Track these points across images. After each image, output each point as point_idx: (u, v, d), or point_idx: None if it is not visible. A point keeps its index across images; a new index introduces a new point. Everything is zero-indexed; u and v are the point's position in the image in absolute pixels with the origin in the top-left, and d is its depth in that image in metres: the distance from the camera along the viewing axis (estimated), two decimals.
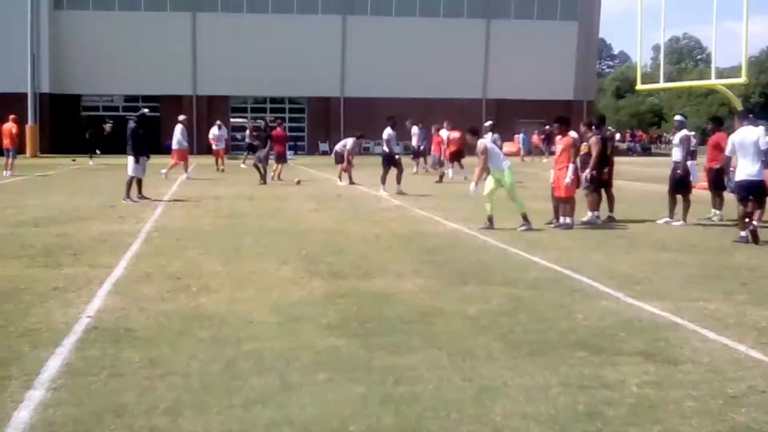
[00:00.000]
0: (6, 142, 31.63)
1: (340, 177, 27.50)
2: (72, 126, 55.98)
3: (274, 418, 5.21)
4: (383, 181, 23.16)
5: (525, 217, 14.92)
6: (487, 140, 15.93)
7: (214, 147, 36.68)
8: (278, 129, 29.70)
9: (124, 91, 59.42)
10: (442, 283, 9.75)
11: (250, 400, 5.56)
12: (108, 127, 53.95)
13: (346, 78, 59.90)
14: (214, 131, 36.10)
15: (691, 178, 16.81)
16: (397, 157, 23.63)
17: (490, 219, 15.02)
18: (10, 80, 52.66)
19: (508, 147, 52.96)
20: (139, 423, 5.15)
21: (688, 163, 16.63)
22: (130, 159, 19.97)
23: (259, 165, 27.23)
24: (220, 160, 35.71)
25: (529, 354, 6.74)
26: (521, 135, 53.97)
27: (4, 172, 30.64)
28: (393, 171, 23.31)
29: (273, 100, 60.87)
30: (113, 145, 56.50)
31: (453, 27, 60.64)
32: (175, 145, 29.69)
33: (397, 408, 5.40)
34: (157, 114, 57.87)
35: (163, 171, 28.77)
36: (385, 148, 23.30)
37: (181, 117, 30.66)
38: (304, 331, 7.44)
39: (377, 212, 17.91)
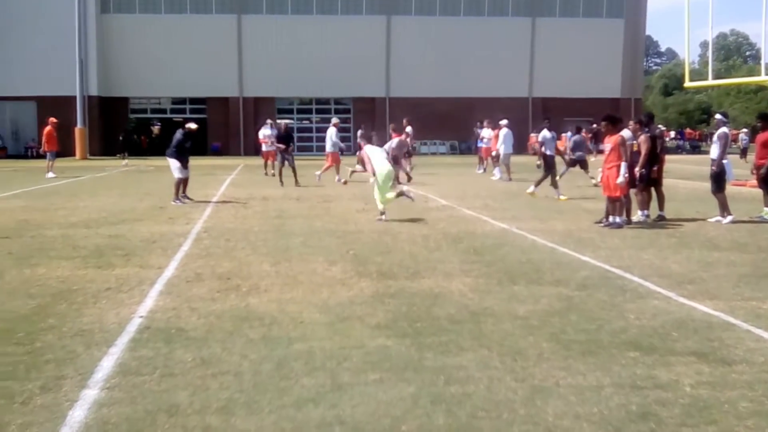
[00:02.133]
0: (47, 144, 32.10)
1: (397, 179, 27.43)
2: (121, 128, 56.75)
3: (325, 418, 5.23)
4: (555, 186, 21.83)
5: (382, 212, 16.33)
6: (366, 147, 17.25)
7: (264, 148, 33.48)
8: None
9: (171, 93, 59.96)
10: (492, 283, 9.71)
11: (302, 399, 5.58)
12: (156, 129, 54.60)
13: (391, 78, 59.93)
14: (265, 131, 32.88)
15: (726, 176, 16.62)
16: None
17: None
18: (60, 84, 53.40)
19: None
20: (193, 422, 5.20)
21: (724, 161, 16.44)
22: (172, 162, 20.17)
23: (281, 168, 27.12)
24: (270, 162, 32.63)
25: (581, 354, 6.69)
26: (569, 133, 53.57)
27: (48, 174, 31.07)
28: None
29: (318, 101, 61.05)
30: (160, 147, 57.51)
31: (498, 26, 60.46)
32: (329, 148, 28.88)
33: (449, 408, 5.39)
34: (204, 116, 58.43)
35: (318, 173, 28.36)
36: (546, 151, 22.12)
37: (335, 120, 29.73)
38: (354, 331, 7.45)
39: (425, 212, 17.88)
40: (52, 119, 32.54)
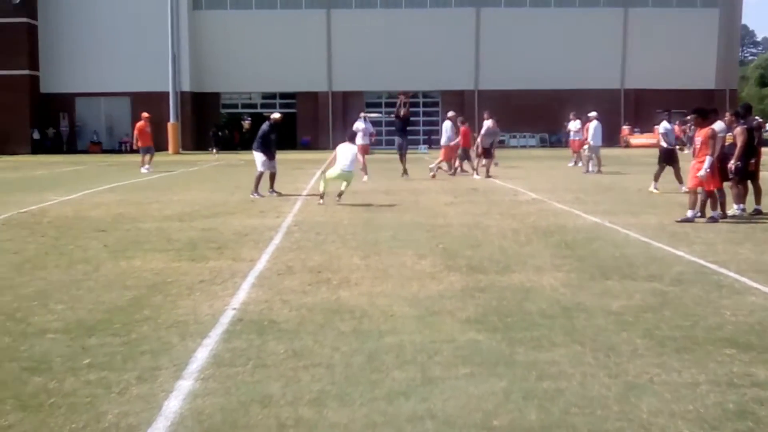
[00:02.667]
0: (141, 140, 32.60)
1: (476, 170, 27.38)
2: (212, 123, 57.78)
3: (416, 411, 5.22)
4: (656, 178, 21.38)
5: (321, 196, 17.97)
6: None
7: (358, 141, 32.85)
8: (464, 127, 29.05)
9: (261, 88, 60.72)
10: (584, 278, 9.58)
11: (393, 392, 5.59)
12: (246, 123, 55.40)
13: (480, 70, 59.66)
14: (358, 125, 31.18)
15: None
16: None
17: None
18: (153, 80, 54.55)
19: (646, 138, 51.90)
20: (285, 413, 5.24)
21: None
22: (257, 155, 20.43)
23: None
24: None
25: (676, 351, 6.55)
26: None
27: (142, 168, 31.66)
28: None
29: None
30: (251, 142, 58.31)
31: (589, 16, 59.65)
32: (444, 141, 28.94)
33: (541, 403, 5.34)
34: (294, 111, 59.00)
35: (431, 166, 28.39)
36: (663, 143, 21.76)
37: (451, 113, 29.55)
38: (444, 324, 7.43)
39: (515, 205, 17.75)
40: (145, 114, 33.15)
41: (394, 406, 5.34)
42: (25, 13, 55.54)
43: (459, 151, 28.74)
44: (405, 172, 27.10)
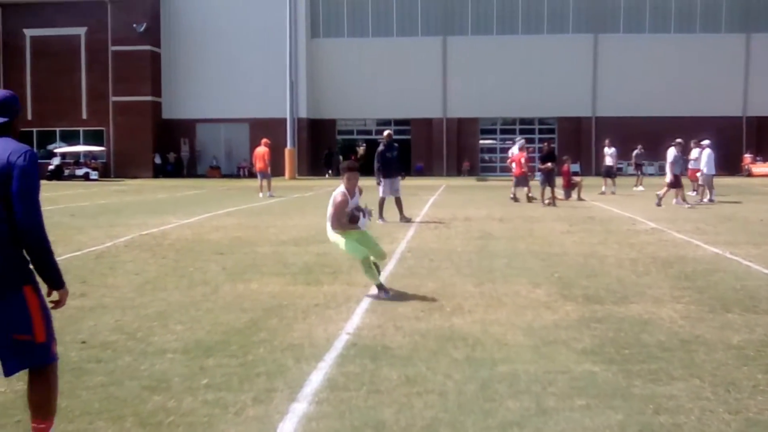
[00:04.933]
0: (259, 165, 33.13)
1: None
2: (326, 147, 58.68)
3: None
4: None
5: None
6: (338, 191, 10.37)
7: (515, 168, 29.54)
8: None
9: (377, 114, 61.20)
10: (703, 310, 9.33)
11: (507, 422, 5.54)
12: (361, 149, 55.97)
13: (597, 97, 58.90)
14: (515, 150, 29.86)
15: None
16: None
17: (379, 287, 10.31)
18: (271, 106, 55.62)
19: None
20: None
21: None
22: (380, 180, 20.56)
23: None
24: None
25: None
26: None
27: (259, 194, 32.15)
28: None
29: (522, 120, 60.70)
30: (366, 168, 58.77)
31: (710, 42, 58.23)
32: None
33: None
34: (408, 137, 59.32)
35: (659, 193, 28.20)
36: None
37: (679, 140, 29.23)
38: (559, 355, 7.34)
39: (632, 235, 17.41)
40: (265, 140, 33.74)
41: None
42: (149, 41, 57.41)
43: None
44: (552, 201, 26.43)
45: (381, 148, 20.87)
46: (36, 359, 4.63)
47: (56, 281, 4.68)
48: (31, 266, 4.59)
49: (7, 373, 4.66)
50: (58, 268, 4.68)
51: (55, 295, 4.76)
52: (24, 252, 4.54)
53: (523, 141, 30.35)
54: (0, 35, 57.74)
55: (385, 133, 21.72)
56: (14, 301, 4.49)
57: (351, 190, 10.20)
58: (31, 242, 4.50)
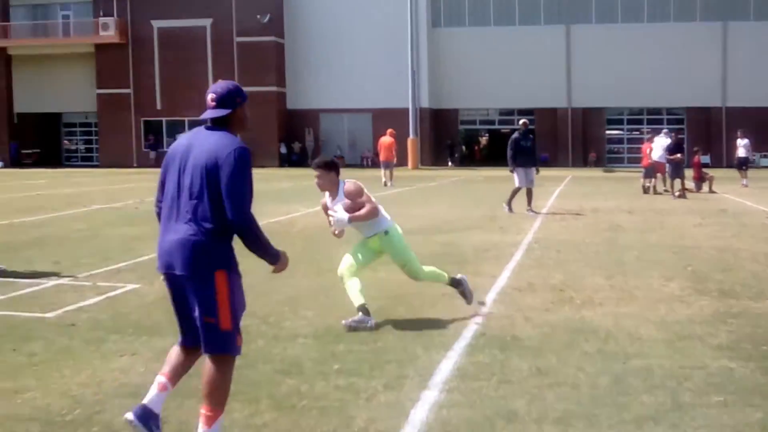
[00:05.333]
0: (384, 155, 33.28)
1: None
2: (447, 138, 58.60)
3: None
4: None
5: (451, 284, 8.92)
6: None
7: (654, 159, 27.83)
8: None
9: (499, 104, 60.71)
10: None
11: (642, 416, 5.44)
12: (483, 139, 55.76)
13: (728, 86, 56.98)
14: (661, 141, 27.76)
15: None
16: None
17: (362, 308, 8.27)
18: (394, 96, 55.73)
19: None
20: (530, 430, 5.23)
21: None
22: (516, 170, 20.22)
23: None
24: (659, 175, 28.16)
25: None
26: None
27: (384, 182, 32.28)
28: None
29: (650, 111, 59.28)
30: (488, 158, 58.42)
31: None
32: None
33: None
34: (532, 127, 58.71)
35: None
36: None
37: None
38: (694, 350, 7.16)
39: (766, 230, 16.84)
40: (391, 130, 33.92)
41: (643, 430, 5.21)
42: (273, 32, 58.24)
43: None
44: (682, 193, 25.64)
45: (516, 135, 20.54)
46: (218, 346, 4.77)
47: (272, 260, 5.00)
48: (229, 254, 4.81)
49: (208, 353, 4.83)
50: (270, 251, 4.95)
51: (273, 268, 5.07)
52: (223, 240, 4.77)
53: (666, 131, 29.44)
54: (129, 28, 59.46)
55: (521, 121, 21.56)
56: (206, 284, 4.71)
57: (323, 189, 8.40)
58: (242, 234, 4.78)
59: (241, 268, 4.86)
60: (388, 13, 56.58)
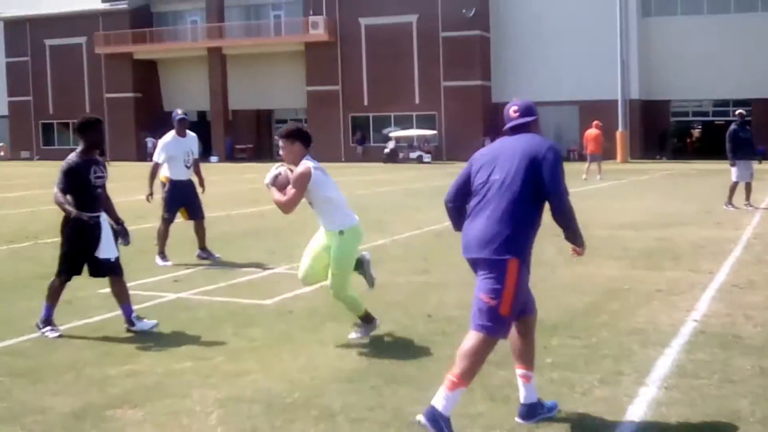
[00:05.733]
0: (591, 148, 32.59)
1: None
2: (659, 130, 56.93)
3: None
4: None
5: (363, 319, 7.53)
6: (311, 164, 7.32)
7: None
8: None
9: (713, 95, 58.37)
10: None
11: None
12: (696, 132, 53.79)
13: None
14: None
15: None
16: None
17: (365, 317, 7.50)
18: (601, 87, 54.59)
19: None
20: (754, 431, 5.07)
21: None
22: (735, 163, 19.38)
23: None
24: None
25: None
26: None
27: (583, 176, 31.52)
28: None
29: None
30: (700, 150, 56.36)
31: None
32: None
33: None
34: (749, 118, 56.15)
35: None
36: None
37: None
38: None
39: None
40: (597, 122, 33.29)
41: None
42: (479, 26, 58.27)
43: None
44: None
45: (734, 127, 19.70)
46: (489, 328, 5.13)
47: (580, 242, 5.54)
48: (524, 245, 5.23)
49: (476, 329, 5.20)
50: (580, 233, 5.46)
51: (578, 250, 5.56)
52: (520, 229, 5.19)
53: None
54: (338, 26, 60.95)
55: (737, 112, 20.71)
56: (496, 268, 5.11)
57: (287, 162, 7.38)
58: (563, 222, 5.34)
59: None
60: (596, 4, 55.54)
